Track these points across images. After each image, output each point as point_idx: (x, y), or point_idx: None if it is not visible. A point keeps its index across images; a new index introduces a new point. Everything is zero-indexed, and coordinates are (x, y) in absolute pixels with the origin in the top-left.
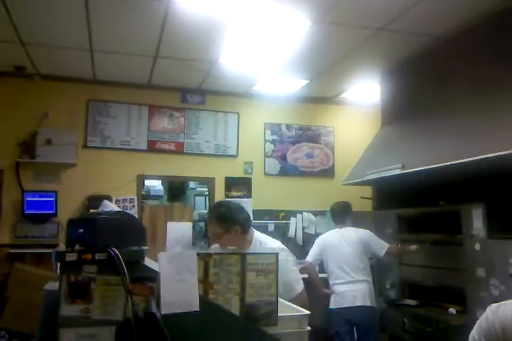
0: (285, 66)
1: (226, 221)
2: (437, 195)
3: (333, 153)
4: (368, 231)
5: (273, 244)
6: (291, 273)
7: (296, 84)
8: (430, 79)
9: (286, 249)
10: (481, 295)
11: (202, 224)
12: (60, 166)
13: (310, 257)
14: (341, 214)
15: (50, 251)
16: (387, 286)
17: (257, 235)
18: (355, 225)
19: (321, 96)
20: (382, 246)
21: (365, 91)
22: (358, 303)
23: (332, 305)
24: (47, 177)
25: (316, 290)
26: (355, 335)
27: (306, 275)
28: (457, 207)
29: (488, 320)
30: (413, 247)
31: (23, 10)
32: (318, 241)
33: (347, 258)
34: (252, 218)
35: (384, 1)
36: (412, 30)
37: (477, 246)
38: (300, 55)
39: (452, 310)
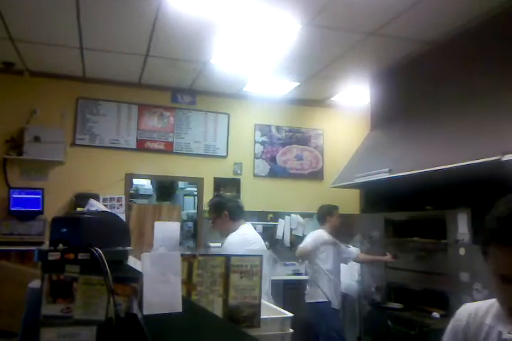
0: (276, 68)
1: (217, 207)
2: (424, 200)
3: (323, 155)
4: (318, 230)
5: (235, 236)
6: None
7: (287, 86)
8: (420, 84)
9: (237, 244)
10: (464, 300)
11: (190, 224)
12: (48, 164)
13: None
14: (320, 216)
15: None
16: (373, 289)
17: (244, 227)
18: (342, 228)
19: (311, 99)
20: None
21: (355, 95)
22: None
23: None
24: (34, 174)
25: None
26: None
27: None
28: (443, 212)
29: (456, 318)
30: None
31: (13, 6)
32: None
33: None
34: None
35: (375, 6)
36: (402, 36)
37: (461, 251)
38: (291, 57)
39: (436, 314)
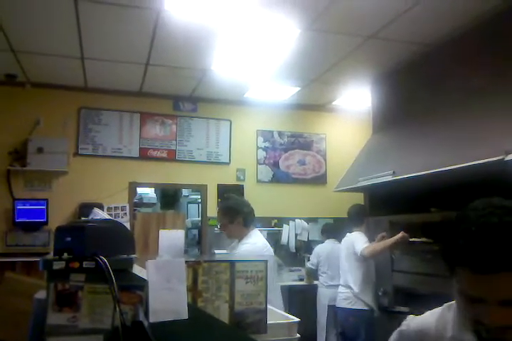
0: (276, 73)
1: (231, 212)
2: (429, 202)
3: (325, 160)
4: (357, 232)
5: (252, 242)
6: None
7: (288, 91)
8: (421, 86)
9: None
10: None
11: (195, 231)
12: (52, 174)
13: None
14: (357, 217)
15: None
16: (380, 293)
17: (254, 234)
18: (344, 232)
19: (312, 104)
20: (359, 248)
21: (357, 99)
22: (338, 305)
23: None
24: (38, 185)
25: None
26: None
27: None
28: (448, 214)
29: (404, 333)
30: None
31: (13, 18)
32: None
33: (340, 262)
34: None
35: (373, 9)
36: (401, 39)
37: None
38: (291, 62)
39: None
